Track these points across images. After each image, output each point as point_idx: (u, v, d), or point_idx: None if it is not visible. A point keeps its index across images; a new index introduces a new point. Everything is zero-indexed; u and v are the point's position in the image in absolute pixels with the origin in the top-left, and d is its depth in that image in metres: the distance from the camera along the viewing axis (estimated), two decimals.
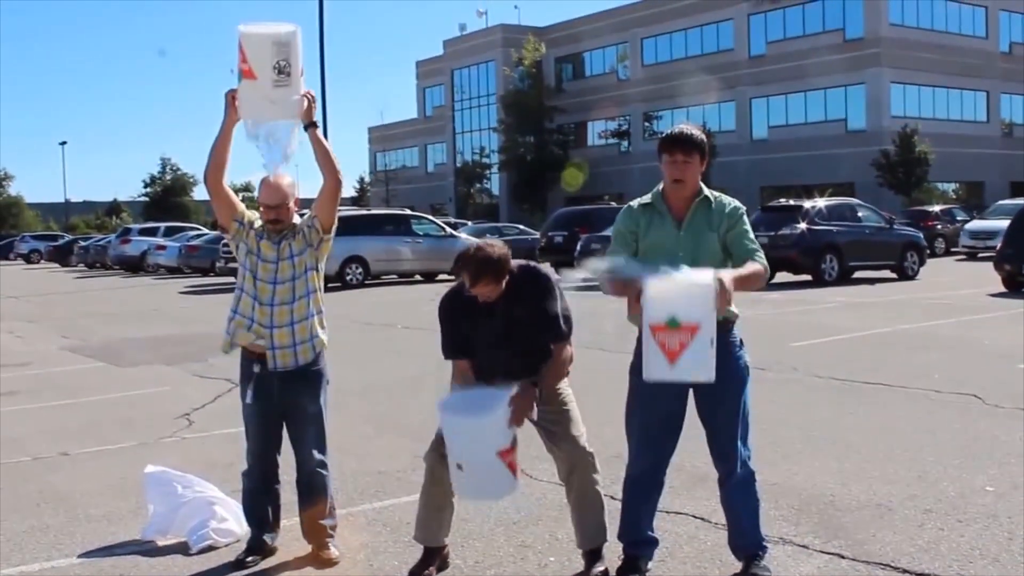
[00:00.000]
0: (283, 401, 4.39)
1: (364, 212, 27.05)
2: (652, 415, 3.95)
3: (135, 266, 36.29)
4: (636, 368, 4.02)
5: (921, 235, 22.67)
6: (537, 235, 30.07)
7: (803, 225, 19.80)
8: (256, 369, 4.35)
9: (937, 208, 34.27)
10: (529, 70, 59.40)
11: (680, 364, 3.55)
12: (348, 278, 22.57)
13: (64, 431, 7.54)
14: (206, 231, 36.04)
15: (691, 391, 3.95)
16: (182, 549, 4.62)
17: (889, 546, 4.37)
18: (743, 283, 3.68)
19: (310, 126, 4.36)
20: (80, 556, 4.65)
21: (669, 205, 3.91)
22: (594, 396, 6.79)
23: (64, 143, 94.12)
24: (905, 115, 46.25)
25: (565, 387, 4.14)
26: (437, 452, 4.05)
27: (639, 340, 4.01)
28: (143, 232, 39.82)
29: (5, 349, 13.13)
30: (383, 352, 11.67)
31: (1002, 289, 16.58)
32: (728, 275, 3.58)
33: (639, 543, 4.02)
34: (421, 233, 24.61)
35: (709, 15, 53.58)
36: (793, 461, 5.87)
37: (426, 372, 8.41)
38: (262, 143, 4.28)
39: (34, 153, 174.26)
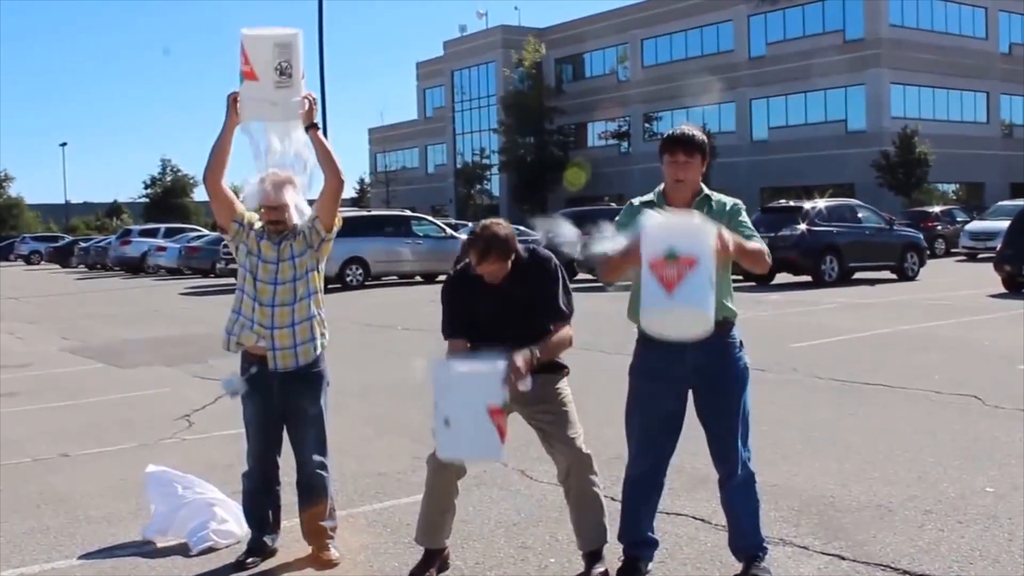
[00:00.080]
0: (283, 402, 4.39)
1: (364, 213, 27.05)
2: (652, 416, 3.95)
3: (135, 267, 36.33)
4: (636, 369, 4.03)
5: (921, 236, 22.68)
6: (538, 236, 30.02)
7: (803, 226, 19.81)
8: (256, 370, 4.36)
9: (937, 209, 34.29)
10: (529, 71, 59.42)
11: (678, 295, 3.50)
12: (348, 279, 22.57)
13: (64, 432, 7.54)
14: (206, 232, 36.06)
15: (691, 392, 3.96)
16: (182, 550, 4.62)
17: (889, 547, 4.37)
18: (743, 251, 3.70)
19: (311, 127, 4.37)
20: (80, 557, 4.65)
21: (670, 205, 3.92)
22: (594, 397, 6.79)
23: (64, 144, 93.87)
24: (905, 116, 46.27)
25: (564, 387, 4.13)
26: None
27: (638, 341, 4.03)
28: (143, 233, 39.87)
29: (5, 350, 13.13)
30: (383, 353, 11.67)
31: (1002, 290, 16.58)
32: (729, 233, 3.63)
33: (639, 544, 4.02)
34: (421, 234, 24.60)
35: (709, 16, 53.60)
36: (793, 462, 5.87)
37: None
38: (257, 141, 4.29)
39: (34, 154, 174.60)
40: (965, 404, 7.43)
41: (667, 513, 4.73)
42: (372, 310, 17.39)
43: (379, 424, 7.53)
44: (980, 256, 26.38)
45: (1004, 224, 19.63)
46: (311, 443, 4.43)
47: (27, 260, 56.27)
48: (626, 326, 3.97)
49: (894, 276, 20.75)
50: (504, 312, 3.98)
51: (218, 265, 27.49)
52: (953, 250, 29.89)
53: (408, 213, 27.95)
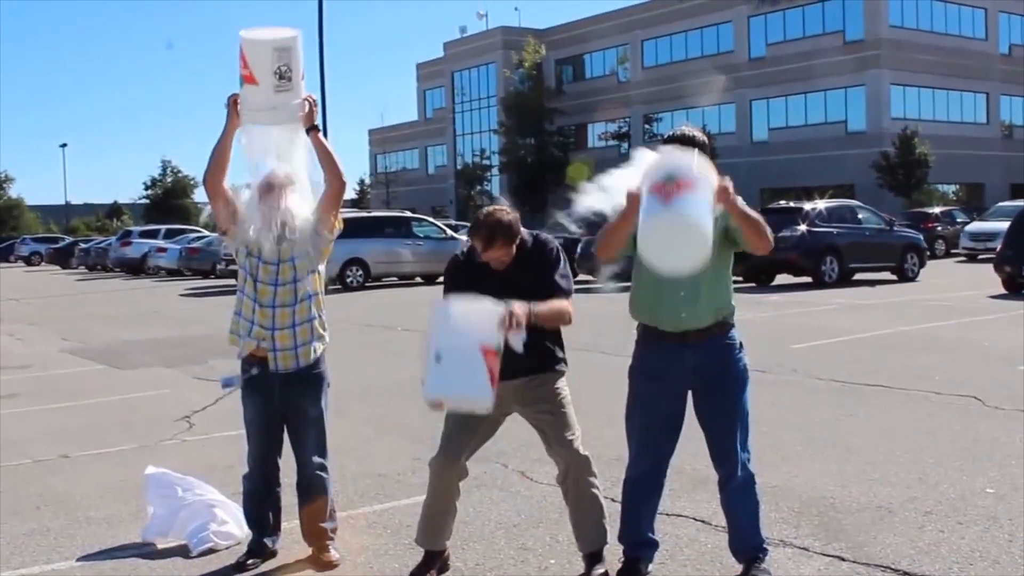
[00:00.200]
0: (284, 404, 4.39)
1: (364, 214, 27.05)
2: (652, 416, 3.96)
3: (136, 268, 36.33)
4: (635, 370, 4.03)
5: (921, 237, 22.67)
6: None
7: (803, 227, 19.80)
8: (257, 371, 4.36)
9: (937, 210, 34.28)
10: (529, 72, 59.41)
11: (674, 204, 3.48)
12: (348, 280, 22.57)
13: (64, 434, 7.54)
14: (207, 233, 36.07)
15: (690, 393, 3.97)
16: (182, 552, 4.62)
17: (889, 548, 4.37)
18: (745, 214, 3.70)
19: (311, 129, 4.37)
20: (80, 559, 4.65)
21: None
22: (594, 398, 6.80)
23: (65, 145, 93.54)
24: (905, 117, 46.26)
25: (563, 387, 4.13)
26: (443, 457, 4.05)
27: (638, 342, 4.04)
28: (144, 234, 39.87)
29: (6, 351, 13.14)
30: (383, 354, 11.67)
31: (1002, 291, 16.58)
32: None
33: (639, 545, 4.02)
34: (422, 235, 24.60)
35: (709, 17, 53.59)
36: (793, 463, 5.87)
37: None
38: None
39: (35, 155, 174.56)
40: (965, 405, 7.43)
41: (667, 514, 4.73)
42: (372, 311, 17.40)
43: (379, 425, 7.53)
44: (980, 257, 26.36)
45: (1004, 225, 19.62)
46: (311, 444, 4.43)
47: (27, 261, 56.28)
48: (626, 328, 3.98)
49: (894, 277, 20.75)
50: (507, 298, 3.98)
51: (218, 266, 27.49)
52: (953, 251, 29.88)
53: (408, 214, 27.95)
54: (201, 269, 31.14)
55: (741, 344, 3.98)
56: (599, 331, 10.78)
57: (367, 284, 23.17)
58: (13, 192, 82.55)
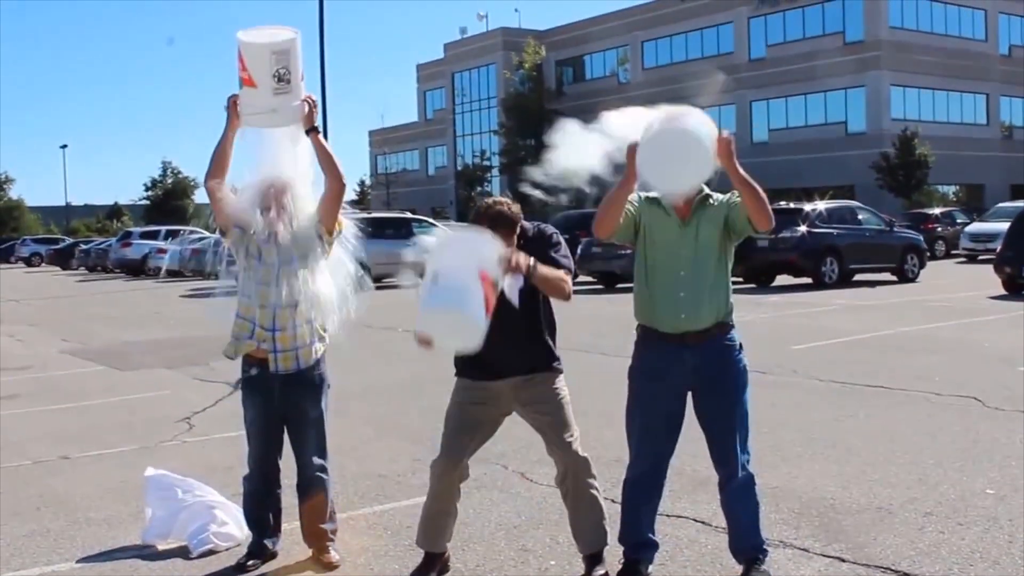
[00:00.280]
0: (284, 405, 4.39)
1: (364, 215, 27.04)
2: (652, 416, 3.96)
3: (136, 269, 36.31)
4: (635, 370, 4.04)
5: (921, 238, 22.69)
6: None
7: (803, 228, 19.80)
8: (257, 372, 4.36)
9: (937, 211, 34.31)
10: (530, 73, 59.45)
11: (678, 121, 3.66)
12: None
13: (64, 435, 7.54)
14: (207, 234, 36.03)
15: (690, 394, 3.97)
16: (182, 553, 4.62)
17: (890, 549, 4.37)
18: (747, 182, 3.72)
19: (311, 131, 4.36)
20: (80, 560, 4.65)
21: (673, 204, 3.93)
22: (595, 399, 6.80)
23: (65, 146, 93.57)
24: (905, 118, 46.29)
25: (561, 387, 4.12)
26: (445, 458, 4.05)
27: (637, 343, 4.04)
28: (144, 235, 39.85)
29: (6, 352, 13.14)
30: (383, 355, 11.67)
31: (1002, 292, 16.58)
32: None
33: (639, 546, 4.02)
34: None
35: (709, 18, 53.62)
36: (793, 464, 5.87)
37: (426, 375, 8.42)
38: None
39: (35, 156, 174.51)
40: (965, 406, 7.43)
41: (667, 515, 4.73)
42: (372, 312, 17.31)
43: (379, 425, 7.53)
44: (980, 258, 26.37)
45: (1004, 226, 19.63)
46: (311, 446, 4.43)
47: (28, 262, 56.28)
48: (626, 328, 3.98)
49: (894, 278, 20.75)
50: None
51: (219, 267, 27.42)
52: (953, 252, 29.89)
53: (409, 215, 27.94)
54: (202, 270, 31.10)
55: (741, 345, 3.98)
56: (599, 332, 10.78)
57: None
58: (13, 193, 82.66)
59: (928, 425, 6.88)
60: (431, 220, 28.90)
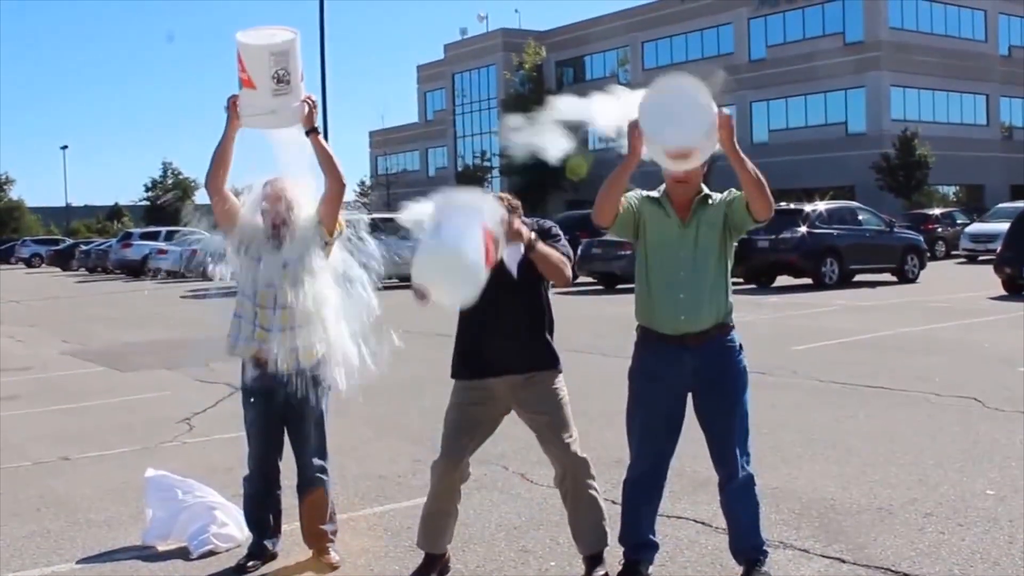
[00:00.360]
0: (285, 405, 4.39)
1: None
2: (652, 416, 3.96)
3: (136, 270, 36.31)
4: (635, 371, 4.04)
5: (921, 238, 22.70)
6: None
7: (803, 228, 19.81)
8: (257, 373, 4.36)
9: (937, 211, 34.29)
10: (530, 74, 59.45)
11: (677, 77, 3.73)
12: None
13: (65, 436, 7.54)
14: (207, 235, 35.99)
15: (690, 394, 3.97)
16: (182, 554, 4.62)
17: (890, 550, 4.37)
18: (746, 165, 3.71)
19: (311, 131, 4.36)
20: (80, 561, 4.65)
21: (673, 205, 3.94)
22: (595, 400, 6.80)
23: (65, 147, 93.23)
24: (905, 118, 46.28)
25: (560, 387, 4.12)
26: (446, 460, 4.05)
27: (637, 344, 4.04)
28: (144, 236, 39.85)
29: (6, 353, 13.14)
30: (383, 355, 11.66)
31: (1002, 292, 16.59)
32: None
33: (639, 547, 4.02)
34: None
35: (709, 19, 53.62)
36: (793, 465, 5.87)
37: (426, 375, 8.42)
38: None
39: (35, 157, 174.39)
40: (965, 406, 7.43)
41: (668, 516, 4.73)
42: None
43: (379, 426, 7.53)
44: (980, 258, 26.36)
45: (1004, 226, 19.64)
46: (312, 446, 4.43)
47: (28, 263, 56.27)
48: (626, 329, 3.98)
49: (894, 278, 20.76)
50: (512, 283, 3.97)
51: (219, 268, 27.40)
52: (953, 252, 29.88)
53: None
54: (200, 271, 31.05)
55: (741, 346, 3.98)
56: (599, 332, 10.78)
57: None
58: (14, 194, 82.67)
59: (928, 426, 6.88)
60: None
